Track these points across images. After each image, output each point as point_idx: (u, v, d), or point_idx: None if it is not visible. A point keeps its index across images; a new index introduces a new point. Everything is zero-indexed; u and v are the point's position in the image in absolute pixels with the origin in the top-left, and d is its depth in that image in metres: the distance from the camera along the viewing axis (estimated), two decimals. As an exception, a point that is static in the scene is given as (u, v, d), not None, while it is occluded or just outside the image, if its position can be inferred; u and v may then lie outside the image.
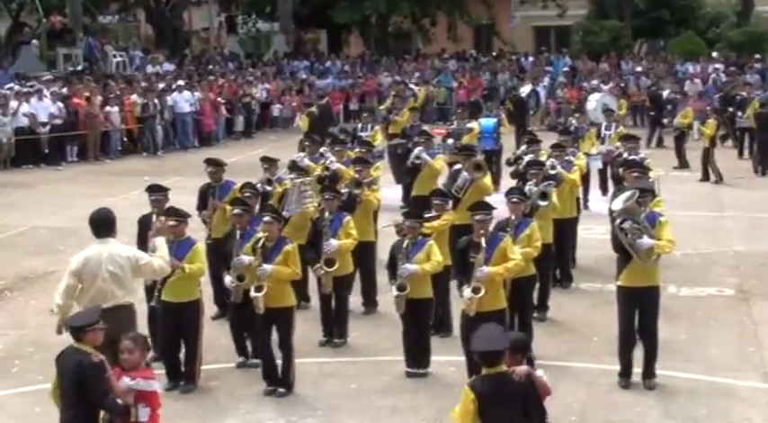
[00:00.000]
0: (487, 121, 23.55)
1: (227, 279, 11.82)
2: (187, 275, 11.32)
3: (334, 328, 13.08)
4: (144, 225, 12.76)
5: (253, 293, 11.20)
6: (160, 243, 10.56)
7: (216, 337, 13.03)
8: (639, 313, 11.43)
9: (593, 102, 29.46)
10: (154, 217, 12.54)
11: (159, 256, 10.37)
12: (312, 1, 46.70)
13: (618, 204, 11.51)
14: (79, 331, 8.25)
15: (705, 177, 24.89)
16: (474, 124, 23.10)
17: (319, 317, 13.52)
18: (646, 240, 11.10)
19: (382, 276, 12.27)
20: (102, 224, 10.28)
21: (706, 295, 15.24)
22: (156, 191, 12.83)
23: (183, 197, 14.58)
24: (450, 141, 22.04)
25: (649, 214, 11.52)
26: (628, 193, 11.58)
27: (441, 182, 15.92)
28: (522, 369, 7.81)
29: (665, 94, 25.00)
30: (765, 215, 20.71)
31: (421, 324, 11.68)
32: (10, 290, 15.76)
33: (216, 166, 14.49)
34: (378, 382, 11.51)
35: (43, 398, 9.92)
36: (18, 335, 11.05)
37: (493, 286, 10.82)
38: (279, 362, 11.47)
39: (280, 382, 11.37)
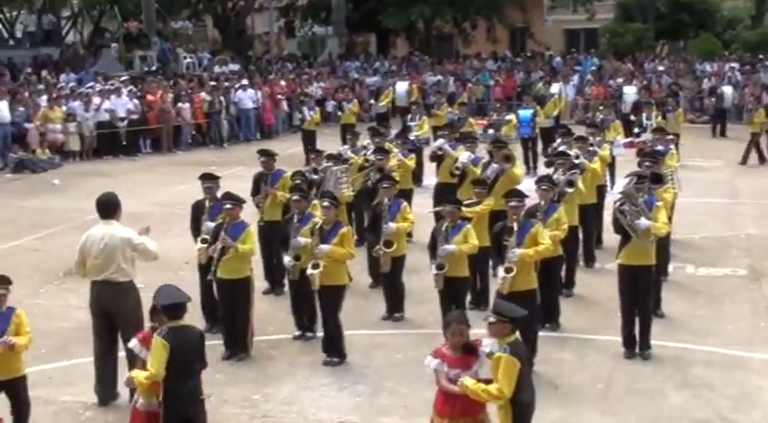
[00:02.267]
0: (525, 112, 24.38)
1: (286, 259, 11.87)
2: (240, 254, 11.31)
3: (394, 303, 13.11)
4: (197, 209, 12.81)
5: (309, 270, 11.24)
6: (147, 240, 10.35)
7: (275, 310, 13.13)
8: (636, 289, 11.40)
9: (632, 94, 29.93)
10: (206, 202, 12.61)
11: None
12: (363, 7, 46.64)
13: (618, 188, 11.39)
14: (179, 309, 8.15)
15: None
16: (511, 116, 24.21)
17: (368, 293, 13.59)
18: (643, 221, 11.14)
19: (425, 256, 12.25)
20: (105, 207, 10.23)
21: (721, 275, 15.09)
22: (209, 179, 12.83)
23: (247, 184, 14.64)
24: (491, 131, 22.74)
25: (647, 199, 11.52)
26: (626, 180, 11.71)
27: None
28: None
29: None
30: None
31: (457, 300, 11.65)
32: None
33: (268, 156, 14.54)
34: (421, 353, 11.38)
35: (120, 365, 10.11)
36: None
37: (524, 267, 10.77)
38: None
39: (336, 352, 11.45)
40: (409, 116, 23.96)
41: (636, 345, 11.50)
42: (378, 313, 13.10)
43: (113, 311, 10.08)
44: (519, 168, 15.22)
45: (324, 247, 11.19)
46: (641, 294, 11.43)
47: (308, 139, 26.41)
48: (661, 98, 31.52)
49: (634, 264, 11.34)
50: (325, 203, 11.52)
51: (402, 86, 32.39)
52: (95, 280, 10.13)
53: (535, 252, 10.81)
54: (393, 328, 12.70)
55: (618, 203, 11.40)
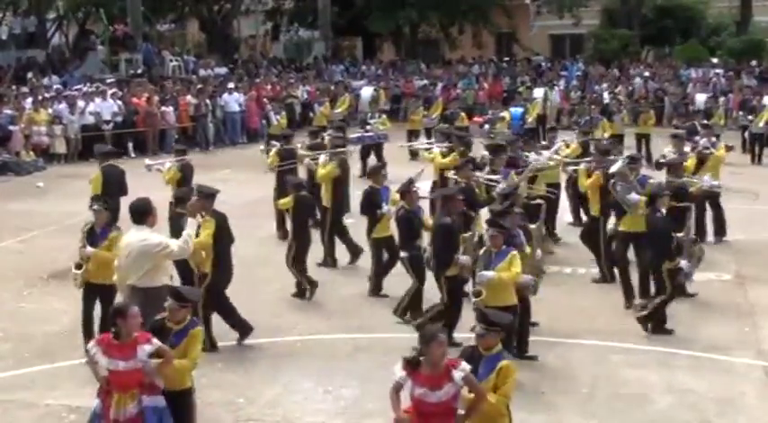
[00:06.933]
0: (516, 110, 27.07)
1: None
2: None
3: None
4: None
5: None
6: (189, 223, 10.49)
7: (258, 314, 13.05)
8: (634, 251, 13.61)
9: None
10: None
11: (183, 238, 10.29)
12: (349, 11, 46.67)
13: (613, 169, 13.86)
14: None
15: None
16: (505, 113, 26.11)
17: (352, 297, 13.57)
18: (634, 196, 13.30)
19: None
20: (136, 213, 10.30)
21: (707, 280, 15.07)
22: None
23: (232, 188, 14.59)
24: (486, 127, 23.88)
25: (641, 178, 13.92)
26: (620, 162, 13.98)
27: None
28: None
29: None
30: (761, 208, 20.49)
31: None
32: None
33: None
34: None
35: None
36: (79, 312, 11.25)
37: (504, 285, 10.68)
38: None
39: None
40: (368, 114, 25.10)
41: (633, 297, 13.22)
42: (362, 318, 13.05)
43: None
44: None
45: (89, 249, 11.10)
46: (639, 254, 13.42)
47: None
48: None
49: (630, 230, 13.45)
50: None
51: (367, 92, 32.38)
52: (128, 284, 10.17)
53: (500, 278, 10.61)
54: (378, 331, 12.66)
55: (612, 181, 13.60)
